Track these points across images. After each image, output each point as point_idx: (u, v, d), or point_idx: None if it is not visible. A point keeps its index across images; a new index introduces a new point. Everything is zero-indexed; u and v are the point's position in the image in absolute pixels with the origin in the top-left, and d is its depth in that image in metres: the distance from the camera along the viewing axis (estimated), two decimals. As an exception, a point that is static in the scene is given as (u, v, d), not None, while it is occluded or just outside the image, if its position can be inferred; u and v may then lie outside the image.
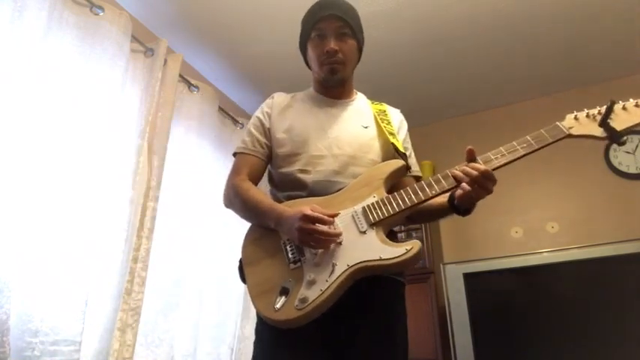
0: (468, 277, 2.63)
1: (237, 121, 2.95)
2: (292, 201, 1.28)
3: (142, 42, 2.27)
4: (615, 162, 2.88)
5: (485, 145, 1.35)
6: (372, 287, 1.19)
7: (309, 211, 1.14)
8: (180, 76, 2.44)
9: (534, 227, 2.96)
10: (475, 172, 1.14)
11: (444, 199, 1.27)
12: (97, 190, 1.82)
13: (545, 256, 2.60)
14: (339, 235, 1.15)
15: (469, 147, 1.18)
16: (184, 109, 2.51)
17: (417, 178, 1.37)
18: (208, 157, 2.56)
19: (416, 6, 2.44)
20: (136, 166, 2.01)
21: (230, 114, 2.91)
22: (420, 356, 2.59)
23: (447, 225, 3.20)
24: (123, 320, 1.79)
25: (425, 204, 1.22)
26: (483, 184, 1.15)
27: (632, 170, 2.83)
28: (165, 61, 2.31)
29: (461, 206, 1.24)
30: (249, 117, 3.26)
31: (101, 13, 2.03)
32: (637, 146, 2.86)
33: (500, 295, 2.62)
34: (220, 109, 2.81)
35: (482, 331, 2.51)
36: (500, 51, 2.79)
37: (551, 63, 2.90)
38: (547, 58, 2.85)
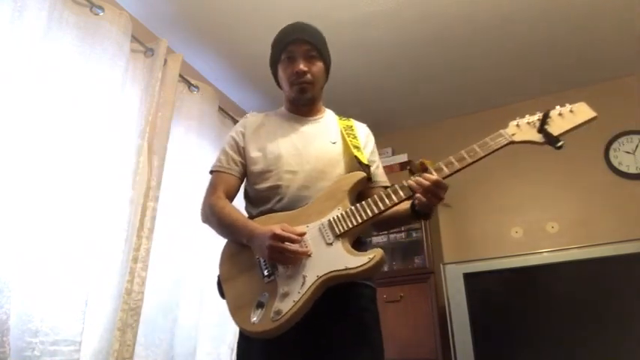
0: (468, 277, 2.63)
1: (237, 121, 2.94)
2: (263, 217, 1.35)
3: (142, 42, 2.27)
4: (615, 162, 2.89)
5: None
6: (344, 294, 1.26)
7: (279, 230, 1.21)
8: (180, 76, 2.44)
9: (534, 227, 2.96)
10: (427, 183, 1.23)
11: (407, 205, 1.35)
12: (97, 190, 1.82)
13: (545, 256, 2.61)
14: (306, 253, 1.22)
15: (420, 159, 1.26)
16: (184, 109, 2.51)
17: (386, 188, 1.43)
18: (208, 157, 2.55)
19: (416, 6, 2.44)
20: (136, 166, 2.01)
21: (230, 114, 2.91)
22: (420, 356, 2.59)
23: (447, 225, 3.20)
24: (123, 320, 1.78)
25: (390, 212, 1.30)
26: (435, 192, 1.24)
27: (632, 170, 2.84)
28: (165, 61, 2.31)
29: (421, 212, 1.32)
30: (249, 117, 3.27)
31: (101, 13, 2.02)
32: (637, 146, 2.86)
33: (500, 295, 2.62)
34: (220, 109, 2.81)
35: (482, 331, 2.51)
36: (500, 51, 2.79)
37: (551, 63, 2.90)
38: (547, 58, 2.85)
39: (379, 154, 3.33)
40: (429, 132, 3.51)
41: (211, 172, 1.49)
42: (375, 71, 2.95)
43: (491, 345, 2.50)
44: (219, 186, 1.43)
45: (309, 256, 1.23)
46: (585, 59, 2.87)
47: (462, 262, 2.78)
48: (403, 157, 3.23)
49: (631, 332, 2.23)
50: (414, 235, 3.01)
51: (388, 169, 3.19)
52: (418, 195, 1.25)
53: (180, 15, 2.47)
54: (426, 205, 1.28)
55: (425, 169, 1.27)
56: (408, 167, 3.13)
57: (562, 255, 2.54)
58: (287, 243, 1.20)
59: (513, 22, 2.56)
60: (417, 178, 1.25)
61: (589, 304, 2.38)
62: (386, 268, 3.08)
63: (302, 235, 1.24)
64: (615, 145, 2.91)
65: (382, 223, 1.41)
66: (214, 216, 1.38)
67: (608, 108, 3.00)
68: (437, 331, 2.60)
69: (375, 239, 3.13)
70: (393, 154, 3.35)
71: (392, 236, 3.08)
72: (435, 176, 1.23)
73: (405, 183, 1.27)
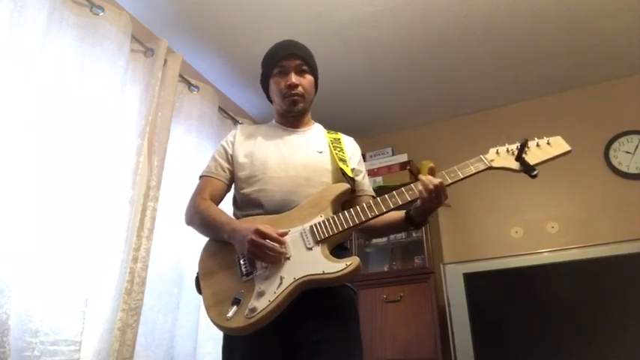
0: (468, 277, 2.63)
1: (237, 121, 2.95)
2: (248, 218, 1.40)
3: (142, 42, 2.27)
4: (615, 162, 2.88)
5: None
6: (325, 295, 1.30)
7: (262, 227, 1.25)
8: (180, 76, 2.44)
9: (534, 227, 2.96)
10: (434, 183, 1.29)
11: (400, 214, 1.41)
12: (97, 190, 1.82)
13: (545, 256, 2.60)
14: (284, 253, 1.26)
15: (430, 165, 1.33)
16: (184, 109, 2.51)
17: (389, 189, 1.48)
18: (208, 157, 2.55)
19: (416, 6, 2.44)
20: (136, 166, 2.01)
21: (230, 114, 2.91)
22: (420, 356, 2.59)
23: (447, 225, 3.20)
24: (123, 320, 1.78)
25: (383, 220, 1.40)
26: (438, 194, 1.29)
27: (632, 170, 2.83)
28: (165, 61, 2.31)
29: (415, 219, 1.38)
30: (249, 117, 3.28)
31: (101, 13, 2.02)
32: (637, 146, 2.86)
33: (500, 295, 2.62)
34: (220, 109, 2.81)
35: (482, 331, 2.51)
36: (501, 51, 2.79)
37: (552, 63, 2.90)
38: (547, 58, 2.85)
39: (379, 155, 3.38)
40: (429, 132, 3.51)
41: (200, 177, 1.56)
42: (376, 71, 2.95)
43: (492, 345, 2.50)
44: (205, 189, 1.49)
45: (288, 258, 1.26)
46: (585, 60, 2.87)
47: (462, 262, 2.78)
48: (403, 157, 3.23)
49: (631, 332, 2.23)
50: (414, 235, 3.01)
51: (388, 169, 3.20)
52: (422, 197, 1.28)
53: (180, 15, 2.47)
54: (423, 212, 1.33)
55: (433, 175, 1.33)
56: (409, 167, 3.13)
57: (562, 255, 2.54)
58: (267, 241, 1.24)
59: (514, 23, 2.56)
60: (424, 178, 1.30)
61: (589, 304, 2.37)
62: (386, 268, 3.09)
63: (283, 235, 1.28)
64: (615, 145, 2.91)
65: (373, 230, 1.49)
66: (197, 214, 1.43)
67: (608, 108, 3.01)
68: (437, 331, 2.60)
69: (376, 239, 3.13)
70: (393, 154, 3.35)
71: (392, 236, 3.08)
72: (439, 179, 1.29)
73: (395, 193, 1.32)
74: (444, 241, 3.18)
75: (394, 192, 1.34)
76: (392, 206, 1.32)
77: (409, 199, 1.32)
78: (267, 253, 1.24)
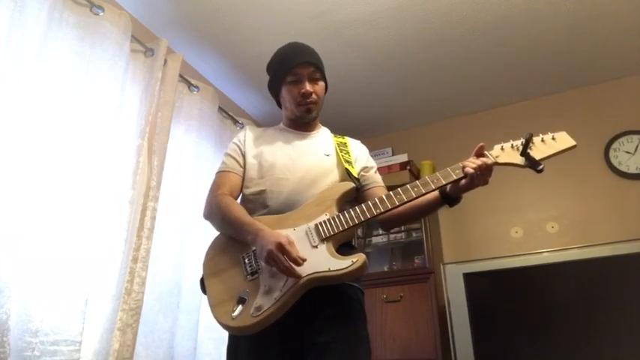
0: (468, 277, 2.63)
1: (237, 121, 2.95)
2: (256, 217, 1.39)
3: (142, 42, 2.27)
4: (615, 162, 2.88)
5: (486, 145, 1.40)
6: (330, 294, 1.30)
7: (286, 242, 1.22)
8: (180, 76, 2.44)
9: (534, 227, 2.96)
10: (487, 164, 1.31)
11: (430, 197, 1.39)
12: (97, 190, 1.82)
13: (545, 256, 2.60)
14: (297, 276, 1.22)
15: (481, 143, 1.35)
16: (184, 109, 2.51)
17: (389, 188, 1.48)
18: (208, 157, 2.56)
19: (416, 6, 2.44)
20: (136, 166, 2.01)
21: (230, 114, 2.91)
22: (420, 356, 2.59)
23: (447, 225, 3.20)
24: (123, 320, 1.78)
25: (412, 204, 1.36)
26: (486, 174, 1.31)
27: (632, 170, 2.83)
28: (165, 61, 2.31)
29: (452, 196, 1.39)
30: (249, 117, 3.28)
31: (101, 13, 2.02)
32: (637, 146, 2.86)
33: (500, 295, 2.62)
34: (220, 109, 2.81)
35: (482, 331, 2.51)
36: (501, 51, 2.79)
37: (552, 63, 2.90)
38: (547, 58, 2.85)
39: (379, 154, 3.38)
40: (429, 132, 3.51)
41: (217, 173, 1.56)
42: (376, 71, 2.95)
43: (491, 345, 2.50)
44: (224, 185, 1.49)
45: (298, 277, 1.23)
46: (585, 60, 2.87)
47: (462, 262, 2.78)
48: (403, 157, 3.23)
49: (631, 332, 2.23)
50: (414, 235, 3.01)
51: (388, 169, 3.20)
52: (468, 170, 1.29)
53: (180, 15, 2.47)
54: (465, 189, 1.34)
55: (481, 154, 1.34)
56: (409, 167, 3.13)
57: (562, 255, 2.54)
58: (285, 258, 1.21)
59: (514, 23, 2.56)
60: (476, 160, 1.31)
61: (589, 304, 2.37)
62: (386, 268, 3.09)
63: (303, 260, 1.24)
64: (615, 145, 2.91)
65: (395, 220, 1.48)
66: (220, 211, 1.41)
67: (608, 108, 3.01)
68: (437, 331, 2.60)
69: (375, 239, 3.14)
70: (393, 154, 3.35)
71: (392, 236, 3.08)
72: (491, 160, 1.30)
73: (460, 164, 1.33)
74: (444, 241, 3.18)
75: (406, 186, 1.33)
76: (397, 203, 1.32)
77: (444, 182, 1.33)
78: (281, 267, 1.22)
